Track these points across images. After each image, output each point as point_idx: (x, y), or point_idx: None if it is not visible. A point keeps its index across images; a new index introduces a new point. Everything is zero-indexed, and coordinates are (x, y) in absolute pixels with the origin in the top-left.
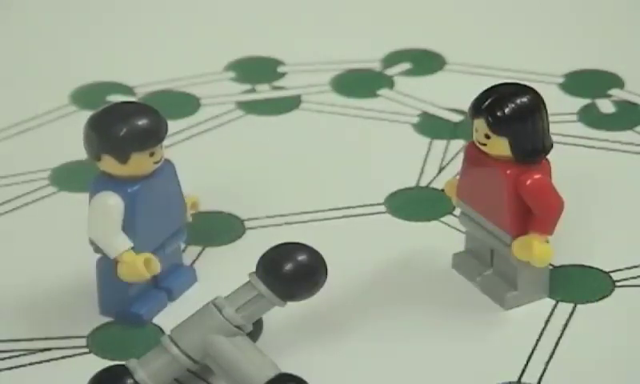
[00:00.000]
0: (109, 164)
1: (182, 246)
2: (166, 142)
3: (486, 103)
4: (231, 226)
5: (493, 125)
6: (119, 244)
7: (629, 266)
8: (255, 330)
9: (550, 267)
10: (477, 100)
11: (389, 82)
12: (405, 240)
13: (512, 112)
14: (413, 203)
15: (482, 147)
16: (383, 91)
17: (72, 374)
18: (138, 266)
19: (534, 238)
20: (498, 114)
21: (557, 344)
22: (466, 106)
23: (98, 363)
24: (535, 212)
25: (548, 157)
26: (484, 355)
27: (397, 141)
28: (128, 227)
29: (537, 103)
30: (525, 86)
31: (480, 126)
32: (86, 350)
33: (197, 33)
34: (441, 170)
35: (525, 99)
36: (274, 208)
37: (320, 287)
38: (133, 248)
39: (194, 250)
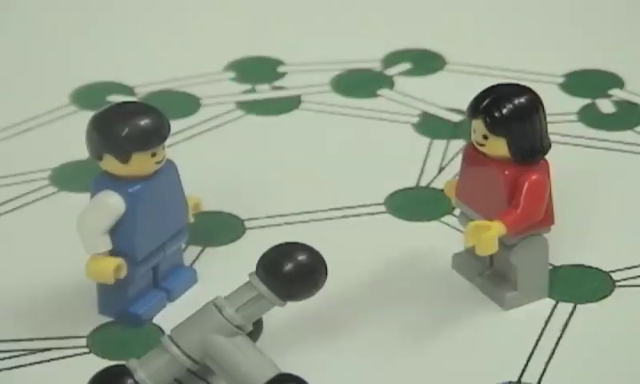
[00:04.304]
0: (110, 164)
1: (183, 246)
2: (166, 142)
3: (484, 104)
4: (231, 226)
5: (490, 125)
6: (99, 244)
7: (629, 266)
8: (255, 330)
9: (550, 267)
10: (474, 101)
11: (389, 82)
12: (405, 240)
13: (509, 112)
14: (413, 203)
15: (481, 148)
16: (383, 91)
17: (72, 374)
18: (108, 272)
19: (496, 224)
20: (496, 114)
21: (557, 344)
22: (465, 106)
23: (98, 363)
24: (515, 204)
25: (548, 157)
26: (484, 355)
27: (397, 141)
28: (129, 227)
29: (534, 103)
30: (522, 86)
31: (478, 126)
32: (86, 349)
33: (197, 33)
34: (441, 170)
35: (522, 99)
36: (274, 208)
37: (320, 287)
38: (111, 251)
39: (194, 250)
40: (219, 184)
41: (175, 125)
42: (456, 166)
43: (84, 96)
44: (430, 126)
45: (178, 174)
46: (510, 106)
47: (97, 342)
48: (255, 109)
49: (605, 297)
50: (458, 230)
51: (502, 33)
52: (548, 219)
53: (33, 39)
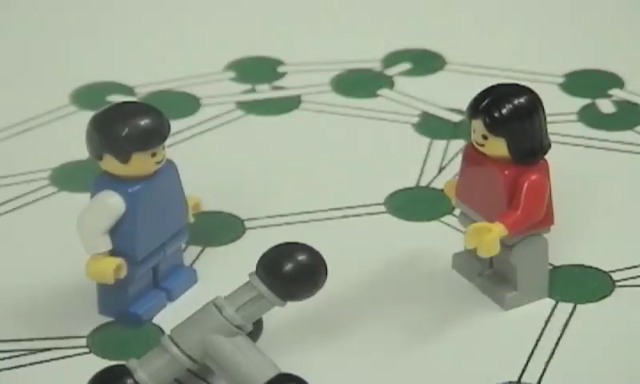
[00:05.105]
0: (110, 164)
1: (183, 246)
2: (166, 142)
3: (483, 104)
4: (231, 226)
5: (490, 125)
6: (99, 244)
7: (629, 266)
8: (255, 330)
9: (550, 267)
10: (474, 101)
11: (389, 82)
12: (405, 240)
13: (509, 112)
14: (413, 203)
15: (480, 148)
16: (383, 91)
17: (72, 374)
18: (108, 272)
19: (496, 226)
20: (495, 114)
21: (557, 344)
22: (465, 106)
23: (98, 363)
24: (515, 205)
25: (548, 157)
26: (484, 355)
27: (397, 141)
28: (129, 227)
29: (534, 103)
30: (522, 86)
31: (477, 126)
32: (86, 349)
33: (197, 33)
34: (441, 169)
35: (522, 99)
36: (274, 208)
37: (320, 287)
38: (111, 251)
39: (194, 249)
40: (219, 184)
41: (175, 125)
42: (456, 166)
43: (84, 96)
44: (430, 125)
45: (177, 174)
46: (510, 106)
47: (97, 342)
48: (255, 109)
49: (605, 297)
50: (458, 230)
51: (502, 33)
52: (548, 219)
53: (33, 39)
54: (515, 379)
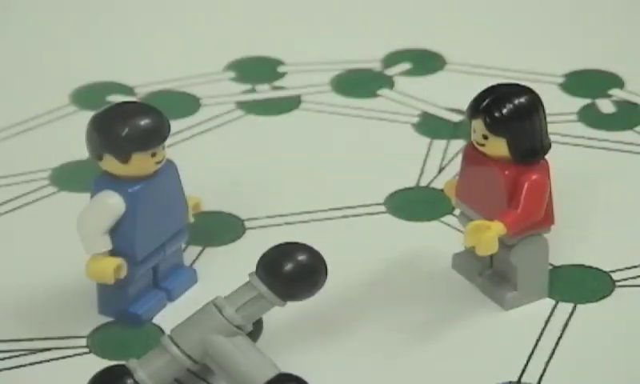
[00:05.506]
0: (110, 164)
1: (183, 246)
2: (166, 142)
3: (484, 104)
4: (231, 226)
5: (490, 125)
6: (99, 244)
7: (629, 266)
8: (255, 330)
9: (550, 267)
10: (474, 101)
11: (389, 82)
12: (405, 240)
13: (509, 112)
14: (413, 203)
15: (481, 148)
16: (383, 91)
17: (72, 374)
18: (108, 272)
19: (495, 224)
20: (496, 114)
21: (557, 344)
22: (465, 106)
23: (98, 363)
24: (515, 204)
25: (548, 157)
26: (484, 355)
27: (397, 141)
28: (129, 227)
29: (534, 103)
30: (522, 86)
31: (478, 126)
32: (86, 350)
33: (197, 33)
34: (441, 169)
35: (522, 99)
36: (274, 208)
37: (320, 287)
38: (111, 251)
39: (194, 250)
40: (219, 184)
41: (175, 125)
42: (456, 166)
43: (84, 96)
44: (430, 125)
45: (177, 174)
46: (510, 105)
47: (97, 342)
48: (255, 109)
49: (605, 297)
50: (458, 230)
51: (502, 33)
52: (548, 219)
53: (33, 39)
54: (515, 379)
